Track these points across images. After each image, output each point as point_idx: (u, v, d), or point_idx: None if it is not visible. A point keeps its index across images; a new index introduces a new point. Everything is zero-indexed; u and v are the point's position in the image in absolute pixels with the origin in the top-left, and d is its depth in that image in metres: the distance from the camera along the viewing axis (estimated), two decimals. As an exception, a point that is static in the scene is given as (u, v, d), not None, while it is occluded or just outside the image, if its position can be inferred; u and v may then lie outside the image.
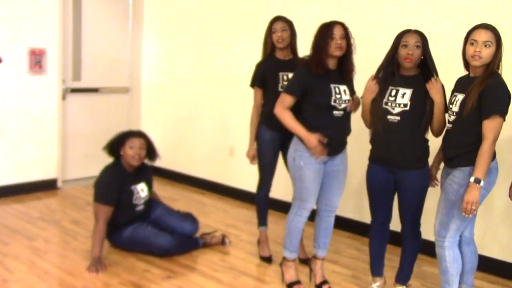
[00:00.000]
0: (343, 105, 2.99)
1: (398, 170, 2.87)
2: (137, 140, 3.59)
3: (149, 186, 3.78)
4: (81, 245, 3.77)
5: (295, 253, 3.26)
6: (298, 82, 3.02)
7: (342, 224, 4.29)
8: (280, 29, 3.40)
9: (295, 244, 3.22)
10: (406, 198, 2.90)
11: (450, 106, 2.70)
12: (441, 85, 2.77)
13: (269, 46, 3.50)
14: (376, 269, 3.13)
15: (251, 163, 3.69)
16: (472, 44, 2.57)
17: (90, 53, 5.55)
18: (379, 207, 3.01)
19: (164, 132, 6.01)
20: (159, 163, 5.92)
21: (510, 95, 2.58)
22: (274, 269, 3.55)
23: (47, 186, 5.20)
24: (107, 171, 3.59)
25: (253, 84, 3.58)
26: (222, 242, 3.92)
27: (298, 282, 3.23)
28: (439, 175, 2.95)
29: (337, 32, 2.90)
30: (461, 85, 2.72)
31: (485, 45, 2.53)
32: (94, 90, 5.67)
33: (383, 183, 2.94)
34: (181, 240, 3.68)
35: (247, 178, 5.18)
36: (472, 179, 2.51)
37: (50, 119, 5.18)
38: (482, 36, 2.54)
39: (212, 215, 4.74)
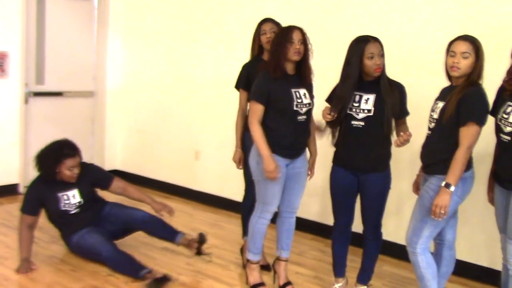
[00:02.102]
0: (304, 109, 3.04)
1: (361, 173, 2.94)
2: (75, 160, 3.48)
3: (83, 191, 3.60)
4: (42, 250, 3.72)
5: (259, 255, 3.29)
6: (260, 89, 3.04)
7: (306, 226, 4.35)
8: (269, 30, 3.33)
9: (258, 247, 3.26)
10: (368, 200, 2.98)
11: (431, 113, 2.76)
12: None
13: (257, 47, 3.45)
14: (339, 270, 3.19)
15: (238, 168, 3.58)
16: (451, 55, 2.65)
17: (53, 56, 5.47)
18: (342, 209, 3.08)
19: (129, 136, 5.97)
20: (123, 167, 5.94)
21: (488, 105, 2.66)
22: (239, 272, 3.57)
23: (8, 191, 5.10)
24: (33, 182, 3.57)
25: (238, 86, 3.51)
26: (200, 240, 3.71)
27: (262, 284, 3.27)
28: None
29: (296, 37, 2.94)
30: (443, 94, 2.78)
31: (464, 57, 2.60)
32: (58, 94, 5.59)
33: (346, 185, 3.01)
34: (121, 257, 3.39)
35: (212, 181, 5.20)
36: (443, 183, 2.57)
37: (12, 123, 5.09)
38: (460, 47, 2.61)
39: (176, 219, 4.68)
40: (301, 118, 3.04)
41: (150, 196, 3.83)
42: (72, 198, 3.55)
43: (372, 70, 2.82)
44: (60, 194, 3.51)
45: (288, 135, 3.04)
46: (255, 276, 3.29)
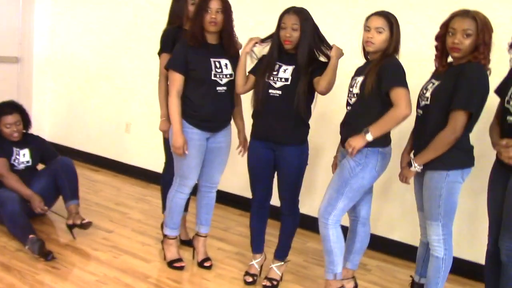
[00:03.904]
0: (225, 80, 2.93)
1: (278, 147, 2.86)
2: (11, 118, 3.56)
3: (33, 153, 3.69)
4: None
5: (176, 231, 3.20)
6: (178, 57, 2.93)
7: (233, 201, 4.29)
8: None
9: (176, 222, 3.16)
10: (284, 175, 2.91)
11: (351, 89, 2.71)
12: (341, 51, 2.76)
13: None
14: (256, 246, 3.13)
15: (165, 136, 3.35)
16: (367, 30, 2.62)
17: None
18: (259, 185, 3.00)
19: (57, 106, 5.70)
20: (50, 138, 5.67)
21: (404, 71, 2.59)
22: (159, 248, 3.47)
23: None
24: None
25: (163, 51, 3.25)
26: (82, 224, 3.43)
27: (179, 260, 3.18)
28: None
29: (213, 5, 2.82)
30: (360, 70, 2.74)
31: (378, 31, 2.57)
32: (-21, 59, 5.25)
33: (263, 160, 2.93)
34: (20, 220, 3.26)
35: (142, 155, 5.04)
36: (365, 129, 2.54)
37: None
38: (375, 22, 2.59)
39: (102, 193, 4.57)
40: (221, 89, 2.93)
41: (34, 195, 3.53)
42: (22, 156, 3.63)
43: (282, 41, 2.75)
44: (14, 148, 3.62)
45: (206, 106, 2.93)
46: (172, 251, 3.19)
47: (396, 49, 2.63)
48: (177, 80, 2.92)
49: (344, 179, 2.66)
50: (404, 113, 2.49)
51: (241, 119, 3.21)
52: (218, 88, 2.92)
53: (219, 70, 2.91)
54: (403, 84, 2.54)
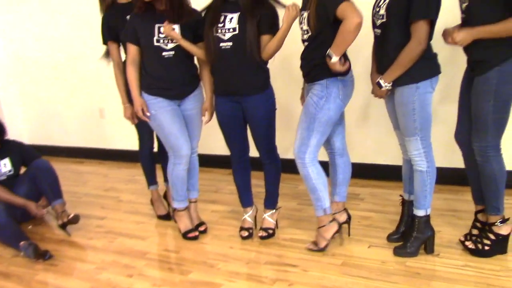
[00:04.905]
0: (170, 45, 2.85)
1: (243, 98, 2.81)
2: None
3: (14, 161, 3.60)
4: None
5: (184, 202, 3.19)
6: (128, 27, 2.91)
7: (219, 162, 4.27)
8: None
9: (182, 194, 3.14)
10: (255, 125, 2.87)
11: (301, 26, 2.64)
12: (297, 13, 2.64)
13: None
14: (245, 200, 3.13)
15: (133, 124, 3.34)
16: None
17: None
18: (234, 140, 2.97)
19: (28, 109, 5.63)
20: (30, 141, 5.60)
21: None
22: (154, 223, 3.47)
23: None
24: None
25: (105, 41, 3.29)
26: (70, 219, 3.42)
27: (193, 230, 3.18)
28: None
29: None
30: (303, 3, 2.65)
31: None
32: None
33: (230, 115, 2.89)
34: (9, 227, 3.21)
35: (123, 137, 5.00)
36: (327, 54, 2.47)
37: None
38: None
39: (90, 182, 4.55)
40: (167, 54, 2.85)
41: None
42: (3, 166, 3.55)
43: None
44: None
45: (156, 72, 2.88)
46: (185, 222, 3.19)
47: None
48: (131, 51, 2.91)
49: (311, 115, 2.62)
50: (355, 22, 2.35)
51: (209, 83, 3.02)
52: (163, 53, 2.85)
53: (162, 35, 2.83)
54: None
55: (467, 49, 2.48)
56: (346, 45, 2.46)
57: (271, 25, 2.72)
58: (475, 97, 2.45)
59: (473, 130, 2.52)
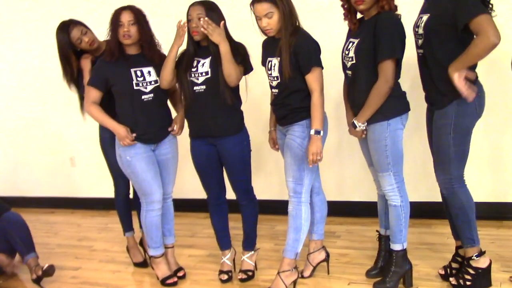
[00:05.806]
0: (150, 87, 2.89)
1: (216, 141, 2.85)
2: None
3: None
4: None
5: (160, 249, 3.13)
6: (96, 74, 2.93)
7: (194, 205, 4.24)
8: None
9: (157, 240, 3.10)
10: (230, 166, 2.90)
11: (269, 72, 2.72)
12: (222, 29, 2.68)
13: None
14: (223, 243, 3.12)
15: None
16: (258, 19, 2.59)
17: None
18: (210, 182, 2.99)
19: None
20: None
21: (318, 44, 2.64)
22: (131, 271, 3.41)
23: None
24: None
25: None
26: (45, 270, 3.24)
27: (171, 276, 3.12)
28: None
29: (125, 19, 2.80)
30: (269, 49, 2.72)
31: (268, 17, 2.54)
32: None
33: (206, 157, 2.91)
34: None
35: (94, 184, 4.94)
36: (312, 131, 2.56)
37: None
38: (261, 10, 2.54)
39: (62, 232, 4.45)
40: (147, 97, 2.90)
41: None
42: None
43: (190, 33, 2.75)
44: None
45: (136, 117, 2.90)
46: (163, 269, 3.13)
47: (294, 22, 2.59)
48: (92, 93, 2.93)
49: (298, 157, 2.67)
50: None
51: (181, 120, 3.07)
52: (143, 96, 2.89)
53: (141, 79, 2.87)
54: (317, 63, 2.59)
55: (425, 85, 2.60)
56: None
57: (241, 60, 2.77)
58: (436, 131, 2.55)
59: (435, 164, 2.60)
